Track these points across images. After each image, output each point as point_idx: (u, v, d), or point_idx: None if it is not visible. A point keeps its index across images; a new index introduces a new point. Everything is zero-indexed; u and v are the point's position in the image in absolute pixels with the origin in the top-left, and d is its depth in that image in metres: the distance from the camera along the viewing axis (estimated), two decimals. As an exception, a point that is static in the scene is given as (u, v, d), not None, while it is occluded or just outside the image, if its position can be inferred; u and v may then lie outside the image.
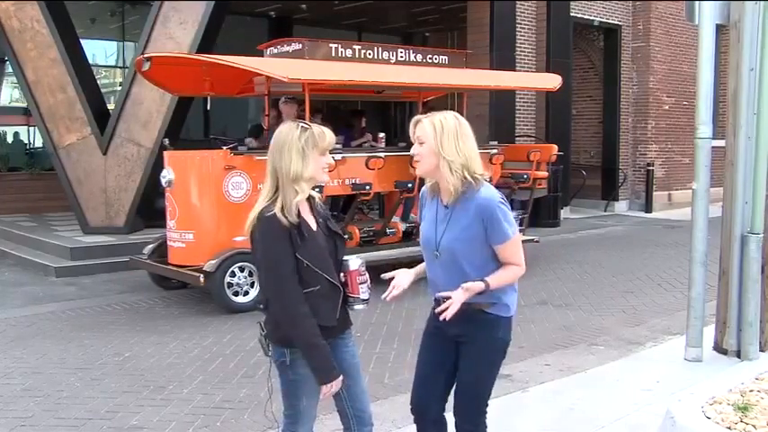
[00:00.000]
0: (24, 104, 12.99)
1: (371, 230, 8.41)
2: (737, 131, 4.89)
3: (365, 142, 9.77)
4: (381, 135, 9.35)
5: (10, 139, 15.52)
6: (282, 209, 2.63)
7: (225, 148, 7.33)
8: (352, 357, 2.87)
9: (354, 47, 8.44)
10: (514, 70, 13.03)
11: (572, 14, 14.04)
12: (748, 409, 3.53)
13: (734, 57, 4.95)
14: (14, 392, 4.84)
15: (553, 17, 13.53)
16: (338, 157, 7.41)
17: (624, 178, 15.56)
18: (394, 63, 8.67)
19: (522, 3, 13.42)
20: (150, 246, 7.77)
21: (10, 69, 12.99)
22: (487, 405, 2.87)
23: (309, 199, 2.78)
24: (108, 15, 15.58)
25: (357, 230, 8.17)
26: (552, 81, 10.02)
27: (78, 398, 4.73)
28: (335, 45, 8.25)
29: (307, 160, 2.65)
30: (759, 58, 4.78)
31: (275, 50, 8.53)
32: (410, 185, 8.35)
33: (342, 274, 2.81)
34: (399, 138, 9.72)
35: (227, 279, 6.87)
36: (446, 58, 9.28)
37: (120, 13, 15.57)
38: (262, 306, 2.77)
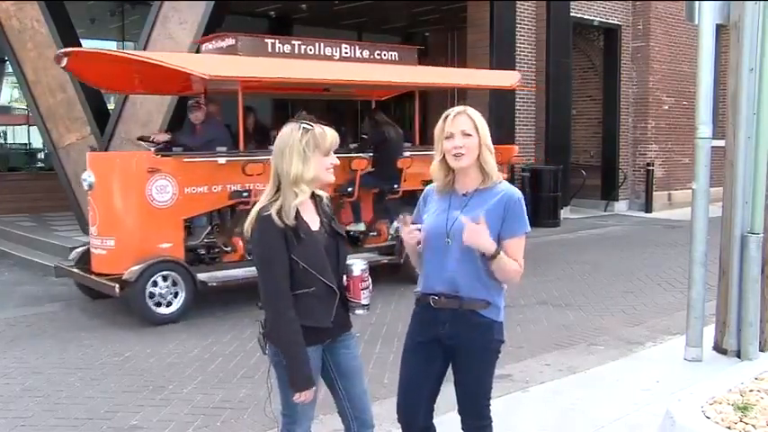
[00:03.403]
0: (24, 104, 13.01)
1: None
2: (737, 131, 4.88)
3: None
4: None
5: (10, 139, 15.54)
6: (280, 210, 2.63)
7: (151, 149, 7.13)
8: (352, 359, 2.86)
9: (293, 42, 8.07)
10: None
11: (572, 14, 14.04)
12: (748, 409, 3.53)
13: (734, 57, 4.95)
14: (14, 392, 4.84)
15: (553, 17, 13.53)
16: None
17: (624, 178, 15.56)
18: (338, 59, 8.27)
19: (522, 3, 13.42)
20: (76, 251, 7.38)
21: (10, 69, 13.02)
22: (490, 398, 2.88)
23: (315, 198, 2.78)
24: (108, 15, 15.60)
25: None
26: (510, 78, 9.56)
27: (78, 398, 4.73)
28: (271, 40, 7.89)
29: (308, 162, 2.65)
30: (759, 58, 4.78)
31: (210, 46, 8.15)
32: (350, 189, 7.98)
33: (344, 278, 2.80)
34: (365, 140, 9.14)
35: (150, 288, 6.50)
36: (396, 54, 8.84)
37: (120, 13, 15.58)
38: (260, 305, 2.77)
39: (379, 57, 8.63)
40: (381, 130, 8.56)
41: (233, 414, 4.42)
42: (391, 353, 5.42)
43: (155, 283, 6.54)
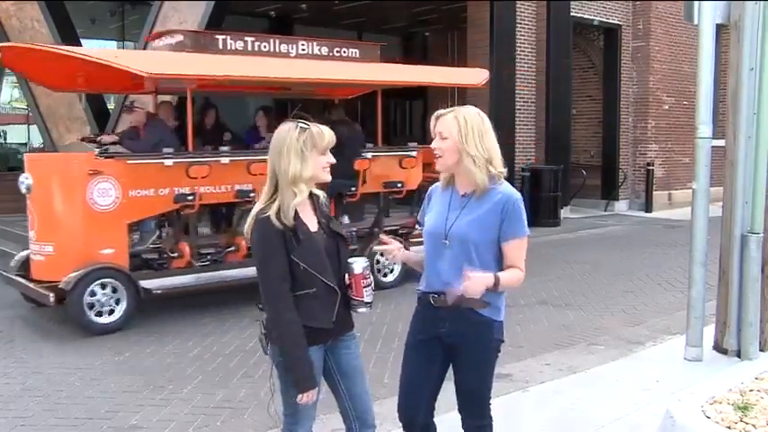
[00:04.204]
0: (24, 104, 13.02)
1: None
2: (737, 131, 4.89)
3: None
4: None
5: (10, 138, 15.55)
6: (279, 211, 2.62)
7: (95, 150, 6.89)
8: (353, 359, 2.86)
9: (246, 39, 7.71)
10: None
11: (572, 14, 14.05)
12: (748, 409, 3.53)
13: (734, 57, 4.95)
14: (14, 392, 4.85)
15: (553, 17, 13.54)
16: (225, 160, 7.02)
17: (624, 178, 15.56)
18: (294, 57, 7.94)
19: (522, 3, 13.43)
20: (18, 257, 7.07)
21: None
22: (491, 398, 2.89)
23: (312, 198, 2.78)
24: (108, 15, 15.62)
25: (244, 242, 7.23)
26: (477, 76, 9.18)
27: (78, 397, 4.73)
28: (222, 37, 7.55)
29: (306, 161, 2.65)
30: (759, 58, 4.78)
31: (160, 43, 7.90)
32: None
33: (346, 277, 2.80)
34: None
35: (89, 297, 6.17)
36: (357, 51, 8.45)
37: (120, 13, 15.61)
38: (260, 305, 2.77)
39: (338, 54, 8.27)
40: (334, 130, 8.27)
41: (233, 414, 4.42)
42: (392, 352, 5.42)
43: (100, 287, 6.25)
